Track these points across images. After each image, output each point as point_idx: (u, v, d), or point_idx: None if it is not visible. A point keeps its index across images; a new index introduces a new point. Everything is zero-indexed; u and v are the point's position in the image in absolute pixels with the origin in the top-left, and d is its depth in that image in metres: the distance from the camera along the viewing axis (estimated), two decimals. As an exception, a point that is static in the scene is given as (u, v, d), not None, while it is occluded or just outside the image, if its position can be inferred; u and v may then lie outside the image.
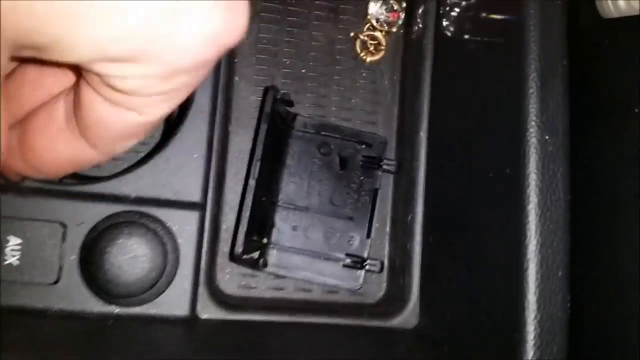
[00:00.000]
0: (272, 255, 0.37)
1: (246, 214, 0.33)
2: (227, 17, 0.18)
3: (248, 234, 0.33)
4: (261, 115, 0.35)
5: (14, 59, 0.20)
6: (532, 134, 0.28)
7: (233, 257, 0.34)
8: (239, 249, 0.33)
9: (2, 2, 0.16)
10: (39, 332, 0.30)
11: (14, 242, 0.31)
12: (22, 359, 0.25)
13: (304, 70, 0.40)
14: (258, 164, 0.34)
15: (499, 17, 0.31)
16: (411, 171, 0.38)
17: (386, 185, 0.40)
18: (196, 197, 0.34)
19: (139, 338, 0.30)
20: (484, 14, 0.33)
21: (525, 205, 0.28)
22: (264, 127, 0.34)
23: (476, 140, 0.33)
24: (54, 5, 0.16)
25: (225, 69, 0.36)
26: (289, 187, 0.38)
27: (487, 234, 0.31)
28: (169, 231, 0.32)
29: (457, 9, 0.36)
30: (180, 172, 0.33)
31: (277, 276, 0.37)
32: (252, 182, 0.34)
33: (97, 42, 0.17)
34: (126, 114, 0.20)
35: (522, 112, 0.29)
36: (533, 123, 0.28)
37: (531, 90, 0.28)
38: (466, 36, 0.34)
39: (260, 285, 0.37)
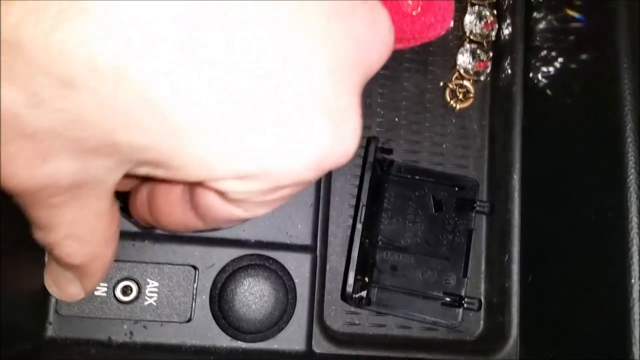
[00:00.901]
0: (374, 294, 0.39)
1: (354, 255, 0.36)
2: (333, 143, 0.18)
3: (356, 274, 0.36)
4: (365, 164, 0.38)
5: (132, 176, 0.22)
6: (633, 180, 0.30)
7: (344, 296, 0.37)
8: (349, 288, 0.35)
9: (117, 119, 0.17)
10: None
11: (151, 285, 0.34)
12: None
13: (397, 119, 0.43)
14: (364, 209, 0.37)
15: (591, 75, 0.33)
16: (505, 212, 0.40)
17: (480, 226, 0.42)
18: (308, 240, 0.37)
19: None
20: (574, 74, 0.35)
21: (629, 249, 0.29)
22: (367, 175, 0.37)
23: (572, 183, 0.35)
24: (168, 125, 0.17)
25: (329, 122, 0.39)
26: (388, 229, 0.40)
27: (588, 273, 0.33)
28: (287, 272, 0.35)
29: (546, 68, 0.38)
30: (293, 218, 0.37)
31: (379, 313, 0.40)
32: (359, 226, 0.36)
33: (206, 164, 0.18)
34: (232, 208, 0.21)
35: (621, 160, 0.30)
36: (633, 170, 0.30)
37: (629, 139, 0.30)
38: (556, 91, 0.36)
39: (364, 322, 0.40)
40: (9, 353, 0.28)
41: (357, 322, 0.40)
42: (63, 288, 0.30)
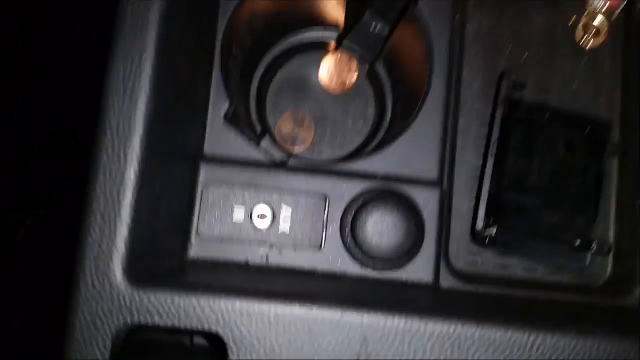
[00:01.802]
0: (500, 235, 0.39)
1: (485, 193, 0.35)
2: None
3: (486, 213, 0.35)
4: (497, 99, 0.37)
5: None
6: None
7: (473, 234, 0.37)
8: (479, 226, 0.35)
9: None
10: (306, 288, 0.34)
11: (285, 212, 0.36)
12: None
13: (526, 57, 0.41)
14: (495, 146, 0.36)
15: None
16: (638, 155, 0.38)
17: (611, 168, 0.40)
18: (434, 175, 0.37)
19: (390, 296, 0.33)
20: None
21: None
22: (499, 111, 0.36)
23: None
24: None
25: (456, 59, 0.39)
26: (515, 170, 0.39)
27: None
28: (415, 206, 0.35)
29: None
30: (420, 153, 0.37)
31: (503, 254, 0.39)
32: (490, 163, 0.36)
33: None
34: None
35: None
36: None
37: None
38: None
39: (487, 263, 0.39)
40: (158, 269, 0.31)
41: (480, 262, 0.39)
42: None
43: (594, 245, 0.38)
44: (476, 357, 0.27)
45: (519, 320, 0.31)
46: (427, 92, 0.37)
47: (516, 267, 0.39)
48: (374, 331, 0.26)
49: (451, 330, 0.27)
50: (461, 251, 0.39)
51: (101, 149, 0.27)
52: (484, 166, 0.37)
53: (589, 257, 0.39)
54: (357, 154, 0.46)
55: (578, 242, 0.39)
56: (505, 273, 0.39)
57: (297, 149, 0.49)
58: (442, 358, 0.27)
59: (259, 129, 0.46)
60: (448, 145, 0.38)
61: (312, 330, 0.26)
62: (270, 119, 0.49)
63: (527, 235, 0.39)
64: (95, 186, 0.26)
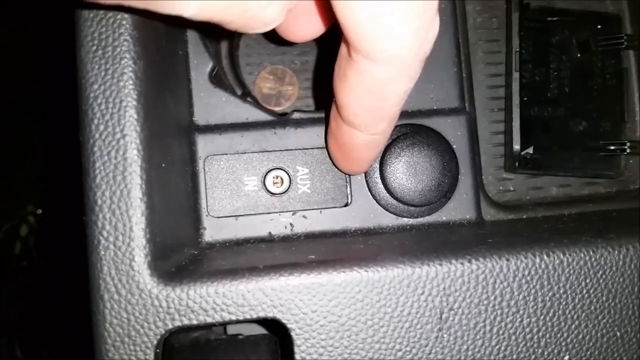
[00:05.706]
0: (528, 155, 0.36)
1: (517, 113, 0.32)
2: None
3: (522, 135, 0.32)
4: (509, 6, 0.33)
5: None
6: None
7: (512, 157, 0.34)
8: (516, 149, 0.32)
9: None
10: (352, 249, 0.30)
11: (301, 172, 0.32)
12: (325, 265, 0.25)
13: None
14: (519, 58, 0.32)
15: None
16: (661, 41, 0.36)
17: (629, 63, 0.37)
18: (456, 102, 0.33)
19: (445, 241, 0.30)
20: None
21: None
22: (515, 17, 0.33)
23: None
24: None
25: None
26: (531, 82, 0.36)
27: None
28: (444, 139, 0.32)
29: None
30: (437, 79, 0.33)
31: (534, 175, 0.36)
32: (515, 79, 0.32)
33: None
34: None
35: None
36: None
37: None
38: None
39: (519, 187, 0.37)
40: (182, 260, 0.26)
41: (513, 188, 0.36)
42: None
43: (627, 147, 0.36)
44: (562, 280, 0.24)
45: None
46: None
47: (549, 186, 0.37)
48: (452, 280, 0.23)
49: (536, 261, 0.24)
50: (493, 180, 0.36)
51: (91, 128, 0.22)
52: (508, 83, 0.33)
53: (622, 159, 0.36)
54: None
55: (610, 146, 0.36)
56: (540, 194, 0.37)
57: (283, 108, 0.44)
58: (533, 291, 0.23)
59: (239, 91, 0.42)
60: (464, 66, 0.34)
61: (382, 292, 0.23)
62: (247, 79, 0.44)
63: (556, 150, 0.36)
64: (95, 174, 0.21)
